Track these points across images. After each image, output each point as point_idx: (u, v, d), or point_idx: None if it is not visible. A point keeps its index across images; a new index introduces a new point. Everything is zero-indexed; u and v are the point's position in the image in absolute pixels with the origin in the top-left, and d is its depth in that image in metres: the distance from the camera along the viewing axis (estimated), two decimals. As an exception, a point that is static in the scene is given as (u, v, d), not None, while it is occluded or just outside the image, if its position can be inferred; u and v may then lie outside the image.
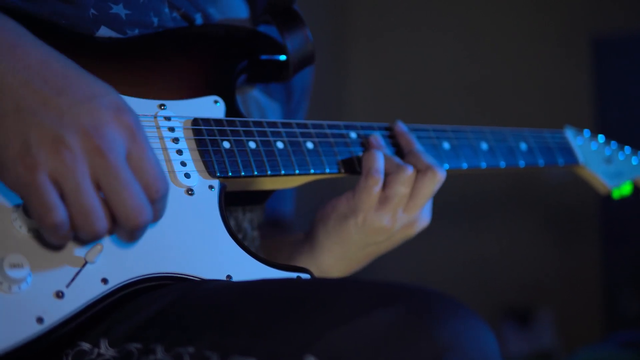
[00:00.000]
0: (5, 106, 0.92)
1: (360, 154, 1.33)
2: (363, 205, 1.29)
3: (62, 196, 0.92)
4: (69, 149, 0.91)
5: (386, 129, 1.38)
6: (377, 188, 1.28)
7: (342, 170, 1.31)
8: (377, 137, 1.34)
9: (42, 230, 0.94)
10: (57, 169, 0.91)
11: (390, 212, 1.29)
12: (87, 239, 0.95)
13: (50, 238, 0.95)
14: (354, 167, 1.32)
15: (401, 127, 1.37)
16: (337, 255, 1.35)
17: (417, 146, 1.34)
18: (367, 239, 1.32)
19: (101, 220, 0.93)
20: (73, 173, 0.91)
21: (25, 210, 0.98)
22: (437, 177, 1.30)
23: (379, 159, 1.29)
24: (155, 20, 1.27)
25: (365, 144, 1.34)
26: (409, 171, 1.28)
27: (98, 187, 0.94)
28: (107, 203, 0.94)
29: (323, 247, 1.35)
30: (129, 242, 1.02)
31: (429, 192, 1.30)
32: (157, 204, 0.98)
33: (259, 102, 1.43)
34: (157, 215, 0.99)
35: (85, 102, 0.94)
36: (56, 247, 0.99)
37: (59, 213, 0.91)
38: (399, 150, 1.36)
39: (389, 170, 1.29)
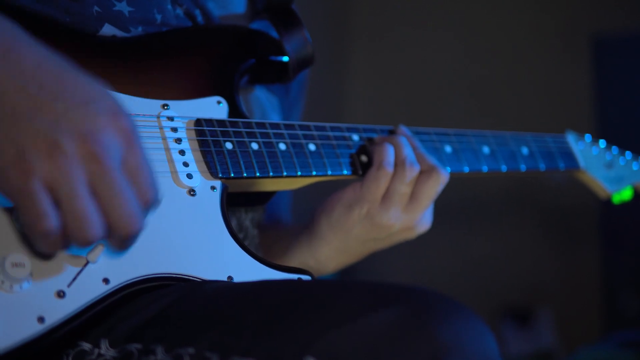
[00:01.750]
0: (2, 112, 0.90)
1: (363, 156, 1.33)
2: (369, 196, 1.30)
3: (56, 202, 0.89)
4: (64, 154, 0.89)
5: (389, 132, 1.38)
6: (385, 179, 1.29)
7: (344, 172, 1.31)
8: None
9: (32, 238, 0.91)
10: (52, 175, 0.89)
11: (392, 209, 1.30)
12: (79, 245, 0.92)
13: (40, 246, 0.92)
14: (356, 169, 1.32)
15: (404, 130, 1.37)
16: (336, 247, 1.35)
17: (421, 149, 1.35)
18: (367, 234, 1.33)
19: (95, 226, 0.90)
20: (68, 178, 0.89)
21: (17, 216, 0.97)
22: (441, 179, 1.31)
23: (390, 153, 1.30)
24: (159, 17, 1.27)
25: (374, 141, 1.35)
26: (414, 170, 1.29)
27: (93, 194, 0.91)
28: (101, 209, 0.91)
29: (323, 238, 1.35)
30: (119, 252, 1.00)
31: (431, 193, 1.31)
32: (147, 212, 0.96)
33: (260, 100, 1.43)
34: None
35: (82, 106, 0.92)
36: (45, 256, 0.98)
37: (51, 220, 0.89)
38: None
39: (396, 165, 1.30)
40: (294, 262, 1.39)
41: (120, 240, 0.93)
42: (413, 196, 1.31)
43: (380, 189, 1.29)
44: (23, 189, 0.88)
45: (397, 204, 1.30)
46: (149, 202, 0.94)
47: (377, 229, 1.32)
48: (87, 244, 0.91)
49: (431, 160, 1.33)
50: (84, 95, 0.93)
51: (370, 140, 1.35)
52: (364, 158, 1.33)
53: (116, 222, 0.91)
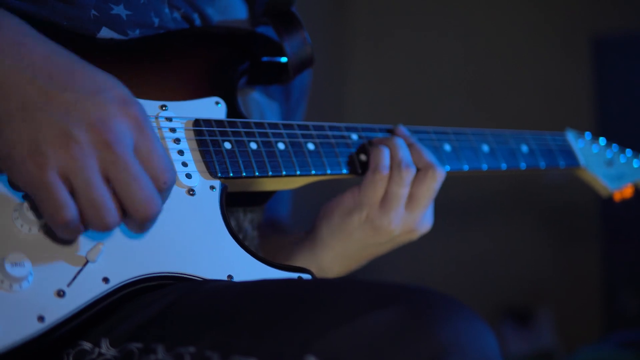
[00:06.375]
0: (11, 105, 0.92)
1: (362, 155, 1.33)
2: (367, 200, 1.29)
3: (72, 191, 0.93)
4: (77, 144, 0.92)
5: (388, 131, 1.38)
6: (382, 183, 1.29)
7: (344, 172, 1.31)
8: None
9: (52, 227, 0.95)
10: (67, 165, 0.92)
11: (392, 211, 1.29)
12: (98, 231, 0.96)
13: (61, 234, 0.95)
14: (355, 169, 1.32)
15: (402, 130, 1.37)
16: (337, 252, 1.35)
17: (418, 145, 1.34)
18: (368, 239, 1.32)
19: (112, 212, 0.94)
20: (82, 168, 0.92)
21: (34, 207, 0.99)
22: (437, 176, 1.31)
23: (386, 156, 1.30)
24: (156, 20, 1.27)
25: (372, 142, 1.34)
26: (410, 172, 1.29)
27: (107, 181, 0.94)
28: (116, 195, 0.95)
29: (325, 244, 1.35)
30: (138, 233, 1.03)
31: (428, 191, 1.31)
32: (164, 194, 0.99)
33: (259, 103, 1.43)
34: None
35: (91, 96, 0.94)
36: (66, 242, 1.00)
37: (70, 210, 0.92)
38: None
39: (392, 168, 1.30)
40: None
41: (138, 224, 0.97)
42: (411, 197, 1.31)
43: (377, 193, 1.29)
44: (40, 181, 0.91)
45: (396, 207, 1.29)
46: (165, 184, 0.97)
47: (378, 233, 1.31)
48: (105, 229, 0.95)
49: (428, 157, 1.32)
50: (93, 85, 0.95)
51: (369, 140, 1.35)
52: (363, 157, 1.33)
53: (133, 206, 0.95)
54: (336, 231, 1.33)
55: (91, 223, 0.94)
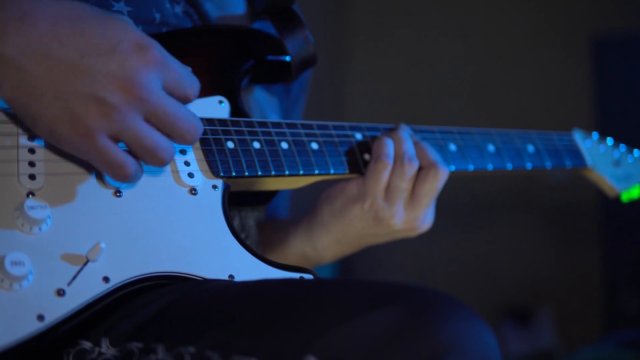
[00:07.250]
0: (37, 85, 0.93)
1: (366, 155, 1.32)
2: (371, 191, 1.29)
3: (127, 145, 0.98)
4: (114, 108, 0.95)
5: (391, 130, 1.37)
6: (386, 173, 1.28)
7: (347, 171, 1.30)
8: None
9: (120, 181, 1.02)
10: (112, 128, 0.95)
11: (395, 204, 1.29)
12: (161, 166, 1.03)
13: (128, 183, 1.04)
14: (359, 168, 1.31)
15: (404, 128, 1.36)
16: (335, 237, 1.35)
17: (422, 143, 1.33)
18: (368, 229, 1.32)
19: (168, 149, 1.01)
20: (127, 126, 0.96)
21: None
22: (439, 175, 1.30)
23: (389, 145, 1.29)
24: (158, 16, 1.26)
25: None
26: (413, 166, 1.29)
27: (153, 124, 0.99)
28: (166, 133, 1.01)
29: (324, 227, 1.35)
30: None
31: (431, 190, 1.30)
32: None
33: (259, 100, 1.42)
34: None
35: (109, 54, 0.95)
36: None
37: (130, 166, 0.99)
38: None
39: (395, 160, 1.29)
40: (292, 251, 1.39)
41: (192, 143, 1.05)
42: (413, 195, 1.30)
43: (380, 183, 1.29)
44: (93, 150, 0.96)
45: (399, 200, 1.29)
46: (194, 96, 1.04)
47: (379, 225, 1.31)
48: (167, 163, 1.02)
49: (432, 155, 1.31)
50: (106, 41, 0.96)
51: (374, 138, 1.34)
52: (366, 157, 1.32)
53: (181, 137, 1.02)
54: (337, 216, 1.33)
55: (153, 164, 1.01)
